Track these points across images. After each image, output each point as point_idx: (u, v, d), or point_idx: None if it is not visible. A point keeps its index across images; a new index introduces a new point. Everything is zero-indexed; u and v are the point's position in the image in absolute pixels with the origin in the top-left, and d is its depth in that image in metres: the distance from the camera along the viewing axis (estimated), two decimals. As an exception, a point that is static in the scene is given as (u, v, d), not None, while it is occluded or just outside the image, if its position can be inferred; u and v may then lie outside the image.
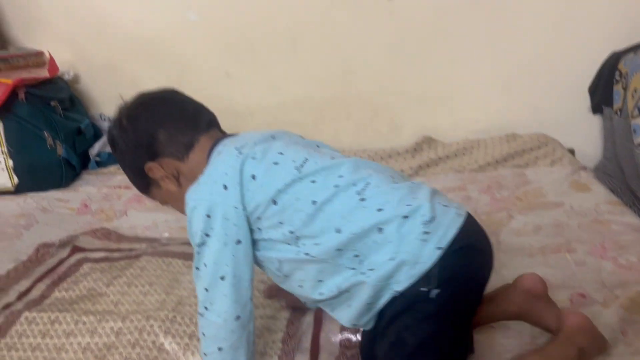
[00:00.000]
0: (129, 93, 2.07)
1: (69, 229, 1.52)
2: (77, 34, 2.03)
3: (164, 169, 0.90)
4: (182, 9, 1.92)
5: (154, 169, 0.90)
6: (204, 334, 0.85)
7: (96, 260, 1.34)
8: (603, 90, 1.80)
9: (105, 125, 2.09)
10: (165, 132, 0.89)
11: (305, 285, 0.86)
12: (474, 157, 1.83)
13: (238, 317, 0.82)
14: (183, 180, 0.91)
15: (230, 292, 0.81)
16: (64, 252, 1.38)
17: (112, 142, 0.95)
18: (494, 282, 0.93)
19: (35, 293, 1.23)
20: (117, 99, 2.07)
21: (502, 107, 1.97)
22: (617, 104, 1.73)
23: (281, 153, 0.86)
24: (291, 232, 0.81)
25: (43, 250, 1.38)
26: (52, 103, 1.84)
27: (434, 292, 0.77)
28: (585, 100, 1.91)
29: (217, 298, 0.81)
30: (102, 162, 1.96)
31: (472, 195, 1.57)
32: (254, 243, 0.85)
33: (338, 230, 0.80)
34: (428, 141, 1.95)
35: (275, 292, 1.11)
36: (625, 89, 1.68)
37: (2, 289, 1.24)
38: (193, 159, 0.89)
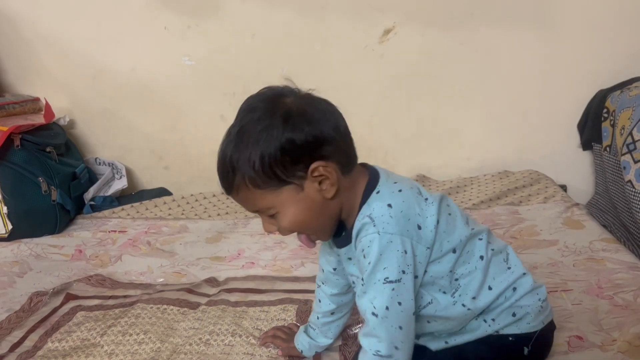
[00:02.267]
0: (125, 137, 2.11)
1: (63, 276, 1.50)
2: (72, 80, 2.06)
3: (336, 174, 0.79)
4: (177, 55, 1.97)
5: (322, 169, 0.77)
6: None
7: (90, 309, 1.32)
8: (592, 127, 1.84)
9: (101, 169, 2.10)
10: (336, 140, 0.80)
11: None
12: (468, 195, 1.84)
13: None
14: (339, 194, 0.81)
15: (413, 329, 0.82)
16: (57, 301, 1.36)
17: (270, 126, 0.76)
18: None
19: (27, 344, 1.21)
20: (113, 143, 2.12)
21: (493, 145, 2.01)
22: (606, 141, 1.76)
23: (448, 205, 0.86)
24: (456, 280, 0.85)
25: (36, 299, 1.36)
26: (48, 149, 1.84)
27: (527, 350, 0.89)
28: (575, 137, 1.95)
29: (409, 336, 0.80)
30: (97, 207, 1.95)
31: (466, 234, 1.57)
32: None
33: (490, 288, 0.86)
34: (421, 179, 1.97)
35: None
36: (613, 126, 1.71)
37: (-7, 340, 1.22)
38: (350, 179, 0.82)
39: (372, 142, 2.06)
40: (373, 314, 0.78)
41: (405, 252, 0.77)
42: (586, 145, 1.90)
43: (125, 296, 1.38)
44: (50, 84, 2.06)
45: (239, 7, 1.89)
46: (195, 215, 1.88)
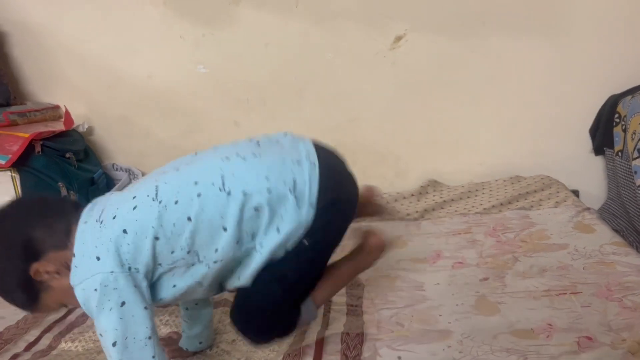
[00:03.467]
0: (142, 143, 2.16)
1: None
2: (91, 88, 2.12)
3: (53, 264, 0.83)
4: (192, 63, 2.01)
5: (41, 268, 0.83)
6: None
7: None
8: (603, 132, 1.83)
9: (118, 175, 2.15)
10: (39, 228, 0.84)
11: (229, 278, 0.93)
12: (479, 200, 1.85)
13: None
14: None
15: (121, 357, 0.82)
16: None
17: None
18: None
19: (43, 343, 1.25)
20: (130, 150, 2.17)
21: (505, 150, 2.01)
22: (617, 146, 1.76)
23: (135, 197, 0.87)
24: (188, 253, 0.85)
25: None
26: (67, 155, 1.90)
27: (307, 242, 0.92)
28: (588, 142, 1.94)
29: None
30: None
31: (477, 237, 1.58)
32: (160, 286, 0.88)
33: (225, 229, 0.85)
34: (433, 184, 1.98)
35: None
36: (624, 130, 1.71)
37: (11, 339, 1.26)
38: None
39: (383, 148, 2.08)
40: None
41: (96, 290, 0.80)
42: (598, 150, 1.89)
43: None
44: (70, 92, 2.12)
45: (253, 17, 1.93)
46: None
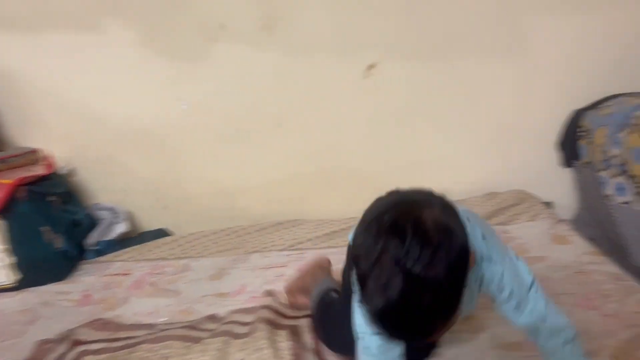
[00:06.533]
0: (124, 181, 2.17)
1: (72, 322, 1.54)
2: (71, 130, 2.12)
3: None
4: (172, 100, 2.04)
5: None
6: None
7: (96, 352, 1.36)
8: (570, 145, 1.92)
9: (101, 214, 2.15)
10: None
11: None
12: (458, 218, 1.91)
13: None
14: None
15: None
16: (64, 347, 1.40)
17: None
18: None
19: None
20: (113, 188, 2.17)
21: (480, 168, 2.09)
22: (584, 158, 1.85)
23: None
24: None
25: (43, 347, 1.40)
26: (50, 198, 1.90)
27: None
28: (557, 156, 2.03)
29: None
30: (101, 251, 2.00)
31: (460, 255, 1.64)
32: None
33: None
34: (413, 205, 2.04)
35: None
36: (590, 143, 1.80)
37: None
38: None
39: (366, 173, 2.14)
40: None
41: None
42: (567, 162, 1.98)
43: (129, 337, 1.42)
44: (50, 135, 2.11)
45: (227, 52, 1.98)
46: (197, 253, 1.93)
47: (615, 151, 1.60)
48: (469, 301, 0.96)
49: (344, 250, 1.80)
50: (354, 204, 2.14)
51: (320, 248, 1.86)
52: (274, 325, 1.35)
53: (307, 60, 1.99)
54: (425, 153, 2.10)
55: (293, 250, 1.86)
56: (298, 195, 2.18)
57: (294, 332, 1.32)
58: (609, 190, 1.62)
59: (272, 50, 1.98)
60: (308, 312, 1.37)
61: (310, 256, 1.70)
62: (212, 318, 1.46)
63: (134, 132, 2.09)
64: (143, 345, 1.34)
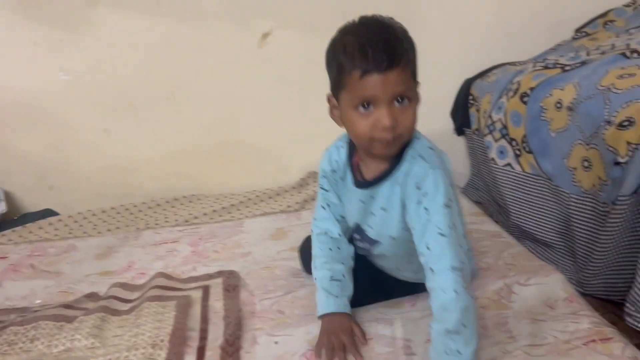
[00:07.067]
0: (3, 160, 2.00)
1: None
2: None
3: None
4: (51, 70, 1.90)
5: None
6: (464, 325, 0.83)
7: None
8: (462, 114, 1.99)
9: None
10: None
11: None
12: (356, 187, 1.92)
13: None
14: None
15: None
16: None
17: None
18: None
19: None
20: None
21: (377, 137, 2.11)
22: (474, 125, 1.91)
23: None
24: None
25: None
26: None
27: None
28: (451, 124, 2.09)
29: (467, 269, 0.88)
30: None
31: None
32: None
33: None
34: (313, 175, 2.03)
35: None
36: (478, 110, 1.86)
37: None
38: None
39: (264, 144, 2.10)
40: (441, 234, 0.87)
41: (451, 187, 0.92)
42: (459, 131, 2.05)
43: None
44: None
45: (113, 19, 1.86)
46: (84, 233, 1.82)
47: (497, 116, 1.66)
48: (393, 213, 0.99)
49: (243, 222, 1.77)
50: (255, 178, 2.14)
51: (216, 222, 1.80)
52: (160, 299, 1.29)
53: (199, 29, 1.92)
54: (325, 124, 2.08)
55: (187, 225, 1.80)
56: (196, 170, 2.11)
57: (183, 304, 1.26)
58: (493, 153, 1.68)
59: (160, 16, 1.89)
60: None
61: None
62: (92, 296, 1.37)
63: (10, 105, 1.93)
64: (11, 328, 1.23)
